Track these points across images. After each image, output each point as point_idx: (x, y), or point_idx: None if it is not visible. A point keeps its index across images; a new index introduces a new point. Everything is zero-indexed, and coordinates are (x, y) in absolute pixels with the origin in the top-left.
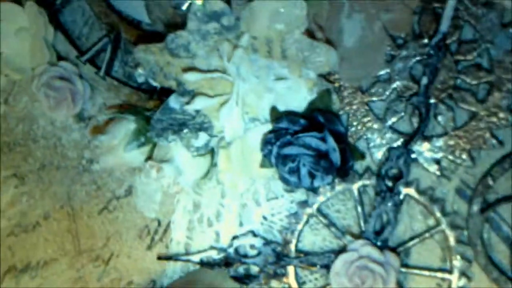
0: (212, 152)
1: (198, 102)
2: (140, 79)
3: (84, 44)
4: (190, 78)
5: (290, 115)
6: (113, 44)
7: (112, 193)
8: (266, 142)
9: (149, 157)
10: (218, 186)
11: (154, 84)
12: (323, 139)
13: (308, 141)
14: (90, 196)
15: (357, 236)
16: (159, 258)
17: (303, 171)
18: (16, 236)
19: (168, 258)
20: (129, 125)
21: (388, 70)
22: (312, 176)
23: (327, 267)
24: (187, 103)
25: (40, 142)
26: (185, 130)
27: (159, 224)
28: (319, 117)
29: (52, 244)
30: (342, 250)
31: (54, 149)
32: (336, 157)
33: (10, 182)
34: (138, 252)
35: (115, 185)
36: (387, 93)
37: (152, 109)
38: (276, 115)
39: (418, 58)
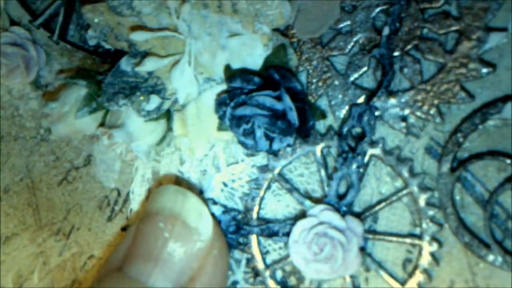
0: (168, 116)
1: (148, 63)
2: (92, 42)
3: (38, 8)
4: (138, 38)
5: (244, 73)
6: (66, 7)
7: (71, 163)
8: (220, 103)
9: (101, 124)
10: (176, 153)
11: (107, 46)
12: (279, 98)
13: (261, 100)
14: (49, 167)
15: (318, 201)
16: (123, 229)
17: (258, 133)
18: None
19: None
20: (79, 91)
21: (349, 22)
22: (269, 138)
23: (289, 235)
24: (137, 64)
25: None
26: (137, 93)
27: (119, 194)
28: (274, 74)
29: (13, 218)
30: (303, 216)
31: (12, 119)
32: (293, 116)
33: None
34: (98, 225)
35: (73, 154)
36: (349, 46)
37: (105, 73)
38: (230, 73)
39: (381, 7)
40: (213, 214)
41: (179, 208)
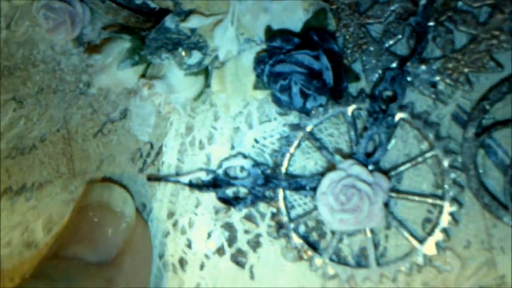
0: (205, 73)
1: (193, 20)
2: (138, 0)
3: None
4: None
5: (284, 33)
6: None
7: (107, 117)
8: (259, 61)
9: (142, 76)
10: (211, 109)
11: (152, 5)
12: (317, 57)
13: (300, 58)
14: (85, 119)
15: (346, 157)
16: (149, 179)
17: (295, 89)
18: (13, 158)
19: (158, 179)
20: (123, 44)
21: None
22: (304, 96)
23: (316, 190)
24: (182, 20)
25: (40, 66)
26: (180, 49)
27: (152, 147)
28: (313, 35)
29: (47, 166)
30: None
31: (53, 73)
32: (329, 76)
33: (9, 106)
34: (130, 175)
35: (110, 108)
36: (385, 15)
37: (148, 30)
38: (270, 34)
39: None
40: (242, 168)
41: (105, 198)
